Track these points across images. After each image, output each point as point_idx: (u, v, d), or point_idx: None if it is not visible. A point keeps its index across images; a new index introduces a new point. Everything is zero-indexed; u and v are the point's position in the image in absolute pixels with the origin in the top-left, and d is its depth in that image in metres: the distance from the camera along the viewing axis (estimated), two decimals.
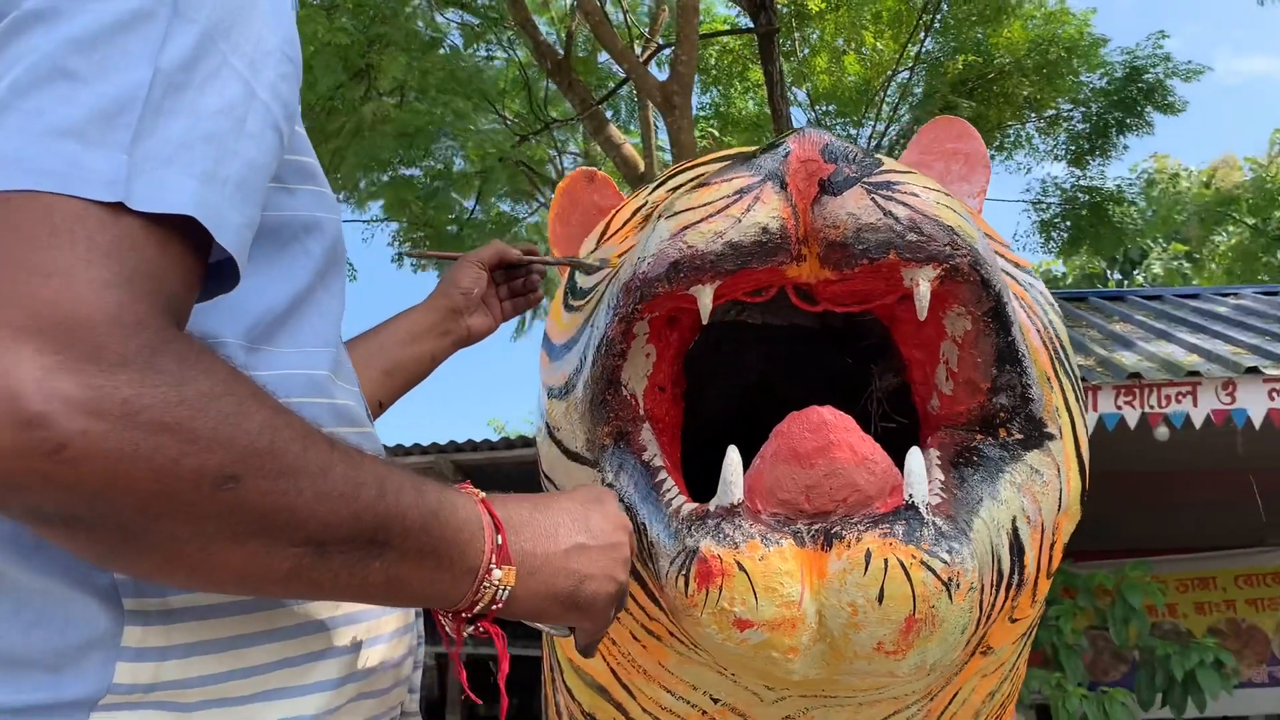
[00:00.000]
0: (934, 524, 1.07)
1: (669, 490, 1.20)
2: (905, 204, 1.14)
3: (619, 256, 1.49)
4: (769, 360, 1.73)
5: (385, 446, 1.02)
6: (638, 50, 6.61)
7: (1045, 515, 1.32)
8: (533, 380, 1.64)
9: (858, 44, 7.50)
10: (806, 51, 7.80)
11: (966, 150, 1.75)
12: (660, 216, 1.21)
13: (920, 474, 1.10)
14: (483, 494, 0.71)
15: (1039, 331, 1.38)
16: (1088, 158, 7.87)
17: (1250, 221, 10.99)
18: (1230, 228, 12.13)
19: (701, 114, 8.29)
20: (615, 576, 0.80)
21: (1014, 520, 1.25)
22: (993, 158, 9.21)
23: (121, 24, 0.57)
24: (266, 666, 0.65)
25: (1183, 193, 21.42)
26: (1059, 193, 8.24)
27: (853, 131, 8.08)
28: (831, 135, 1.20)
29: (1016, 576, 1.26)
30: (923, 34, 7.32)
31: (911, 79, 7.71)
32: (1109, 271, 20.15)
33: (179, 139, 0.57)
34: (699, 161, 1.68)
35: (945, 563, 1.05)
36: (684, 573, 1.07)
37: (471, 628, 0.70)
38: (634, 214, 1.59)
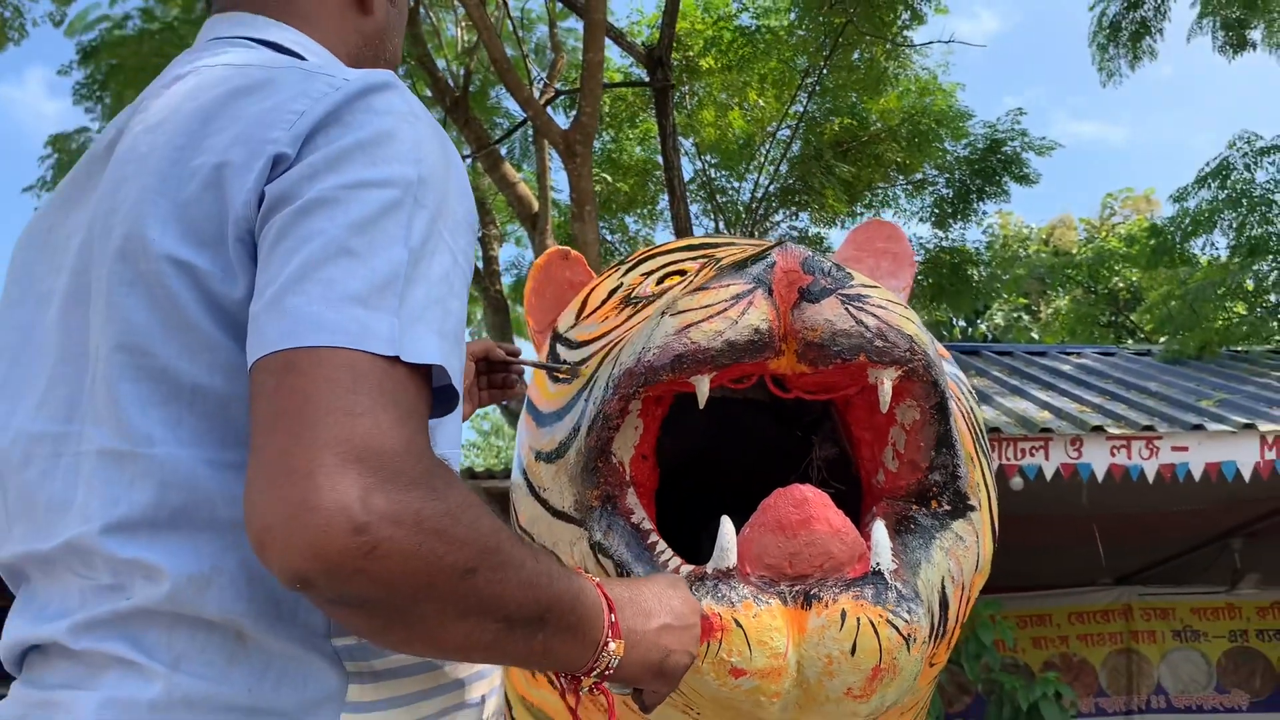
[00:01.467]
0: (896, 588, 1.28)
1: (662, 552, 1.36)
2: (874, 315, 1.35)
3: (600, 336, 1.65)
4: (718, 426, 1.91)
5: None
6: (535, 93, 6.78)
7: (965, 575, 1.55)
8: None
9: (742, 100, 7.88)
10: (694, 103, 8.15)
11: (895, 250, 1.99)
12: (664, 313, 1.39)
13: (885, 544, 1.30)
14: (596, 579, 0.87)
15: (964, 416, 1.61)
16: (950, 220, 8.50)
17: (1085, 284, 11.96)
18: (1066, 287, 13.17)
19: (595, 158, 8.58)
20: (690, 651, 0.96)
21: (943, 580, 1.47)
22: (863, 215, 9.76)
23: (384, 211, 0.71)
24: (434, 715, 0.79)
25: (1024, 249, 22.87)
26: (923, 251, 8.86)
27: (735, 184, 8.50)
28: (809, 250, 1.40)
29: (942, 628, 1.48)
30: (803, 95, 7.75)
31: (792, 136, 8.15)
32: (954, 319, 21.21)
33: (422, 303, 0.71)
34: (664, 248, 1.87)
35: (906, 621, 1.25)
36: None
37: (586, 690, 0.85)
38: (610, 294, 1.75)
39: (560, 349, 1.73)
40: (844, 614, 1.24)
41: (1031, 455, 4.83)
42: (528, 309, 1.92)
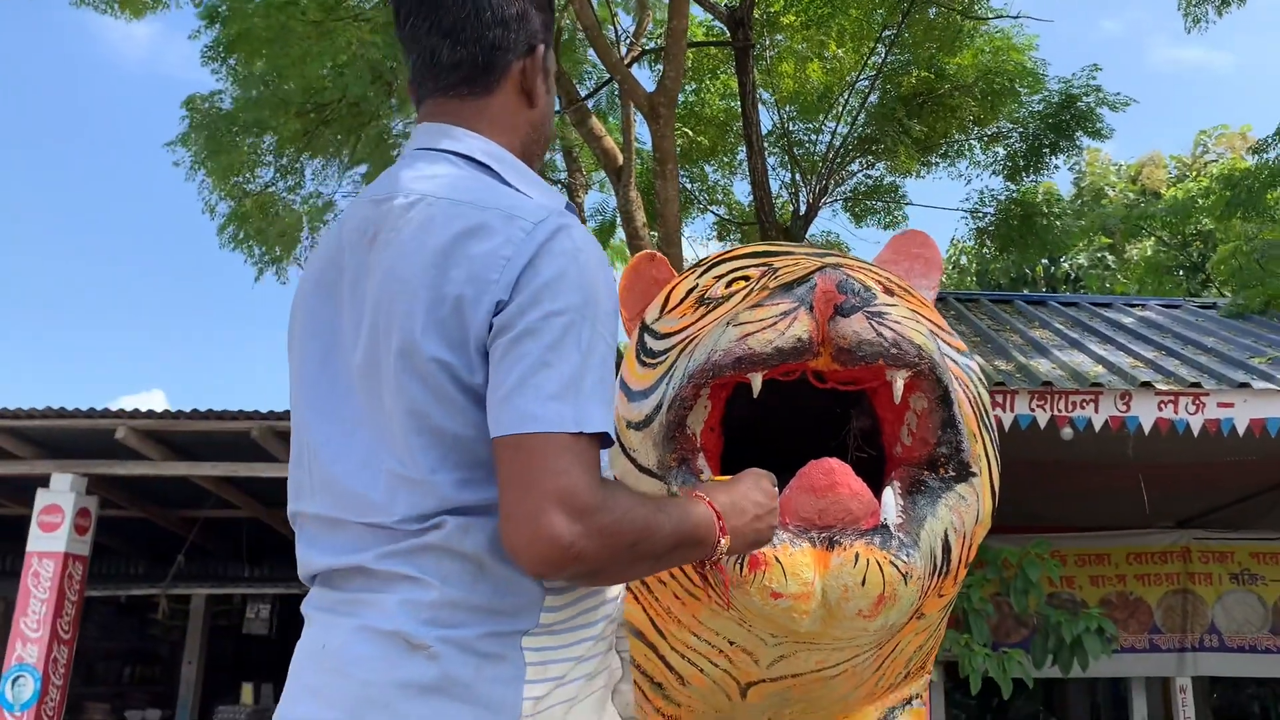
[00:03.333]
0: (899, 538, 1.70)
1: None
2: (891, 328, 1.76)
3: (679, 330, 2.08)
4: (780, 399, 2.34)
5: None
6: (623, 49, 7.08)
7: (967, 526, 1.96)
8: None
9: (821, 52, 8.07)
10: (773, 56, 8.36)
11: (926, 256, 2.38)
12: (729, 323, 1.81)
13: (892, 505, 1.73)
14: (707, 496, 1.31)
15: (970, 402, 2.01)
16: (1021, 173, 8.65)
17: (1158, 234, 11.83)
18: (1138, 236, 12.97)
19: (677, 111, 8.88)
20: (772, 525, 1.38)
21: (946, 531, 1.89)
22: (938, 165, 9.90)
23: (564, 331, 1.11)
24: (583, 611, 1.24)
25: (1110, 187, 22.39)
26: (995, 203, 9.03)
27: (812, 136, 8.73)
28: (843, 274, 1.81)
29: (945, 568, 1.90)
30: (882, 49, 7.92)
31: (869, 88, 8.34)
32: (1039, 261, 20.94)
33: (592, 386, 1.11)
34: (733, 254, 2.27)
35: (905, 562, 1.68)
36: (740, 562, 1.68)
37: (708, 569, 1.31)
38: (688, 293, 2.17)
39: (647, 338, 2.16)
40: (857, 556, 1.67)
41: (1082, 408, 5.13)
42: (621, 301, 2.35)
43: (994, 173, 8.91)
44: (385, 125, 6.21)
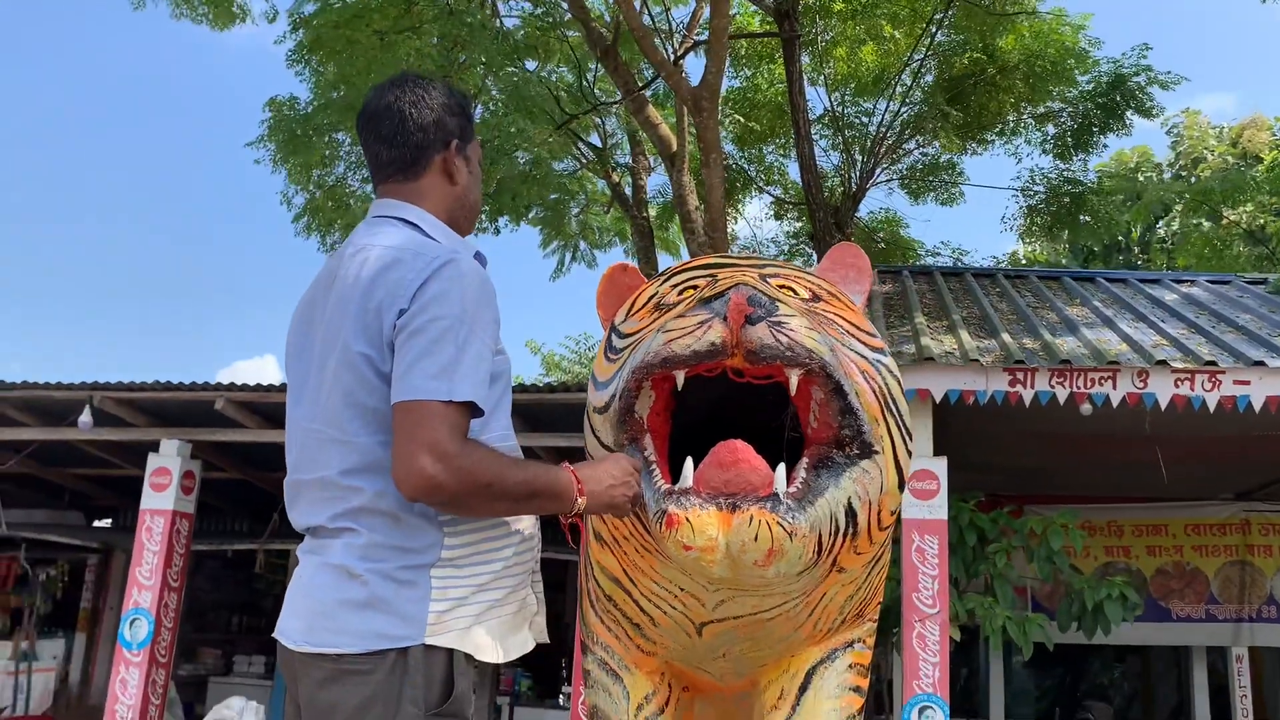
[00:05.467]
0: (787, 503, 2.11)
1: (657, 477, 2.23)
2: (787, 335, 2.15)
3: (638, 330, 2.51)
4: (732, 391, 2.75)
5: None
6: (676, 41, 7.43)
7: (871, 495, 2.35)
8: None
9: (875, 34, 8.26)
10: (825, 41, 8.59)
11: (858, 265, 2.76)
12: (660, 330, 2.24)
13: (781, 477, 2.13)
14: (571, 465, 1.75)
15: (874, 391, 2.38)
16: (1071, 152, 8.70)
17: (1214, 209, 11.58)
18: (1196, 212, 12.64)
19: (730, 97, 9.18)
20: (626, 494, 1.82)
21: (849, 499, 2.28)
22: (991, 143, 9.98)
23: (444, 331, 1.54)
24: (479, 551, 1.70)
25: (1209, 151, 21.70)
26: (1045, 182, 9.10)
27: (864, 119, 8.94)
28: (751, 290, 2.21)
29: (852, 529, 2.30)
30: (934, 29, 8.07)
31: (920, 67, 8.51)
32: (1132, 227, 20.45)
33: (464, 372, 1.55)
34: (686, 266, 2.68)
35: (790, 523, 2.09)
36: (660, 520, 2.11)
37: (569, 521, 1.76)
38: (648, 300, 2.60)
39: (613, 337, 2.60)
40: (752, 517, 2.08)
41: (1100, 385, 5.38)
42: (598, 305, 2.79)
43: (1044, 151, 9.01)
44: None
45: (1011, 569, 5.97)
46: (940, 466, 5.57)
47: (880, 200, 17.80)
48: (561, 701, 8.68)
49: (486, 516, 1.68)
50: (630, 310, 2.64)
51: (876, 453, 2.35)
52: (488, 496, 1.59)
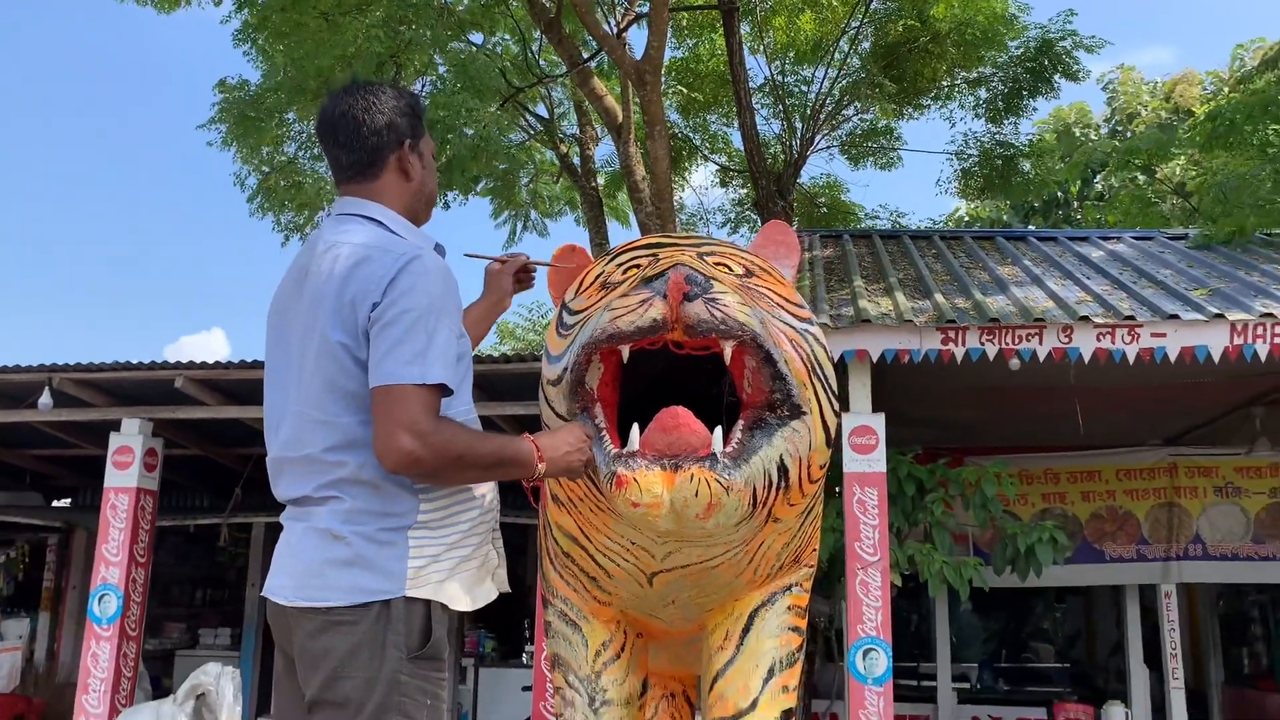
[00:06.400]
0: (724, 462, 2.35)
1: (607, 442, 2.45)
2: (721, 310, 2.38)
3: (586, 308, 2.72)
4: (676, 362, 2.97)
5: None
6: (619, 14, 7.56)
7: (801, 452, 2.60)
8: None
9: (813, 2, 8.45)
10: (767, 7, 8.76)
11: (788, 242, 2.99)
12: (606, 308, 2.45)
13: (718, 439, 2.36)
14: (531, 436, 1.97)
15: (802, 358, 2.62)
16: (1002, 116, 9.02)
17: (1143, 166, 12.01)
18: (1125, 170, 13.04)
19: (673, 67, 9.33)
20: (580, 459, 2.03)
21: (781, 456, 2.53)
22: (927, 108, 10.26)
23: (414, 322, 1.74)
24: (450, 515, 1.91)
25: (1143, 106, 22.22)
26: (977, 145, 9.43)
27: (804, 88, 9.16)
28: (688, 270, 2.43)
29: (784, 483, 2.55)
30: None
31: (859, 35, 8.72)
32: (1071, 183, 20.93)
33: (434, 356, 1.75)
34: (631, 245, 2.90)
35: (727, 479, 2.33)
36: (610, 481, 2.34)
37: (530, 485, 1.99)
38: (595, 278, 2.81)
39: (564, 314, 2.81)
40: (692, 475, 2.32)
41: (1027, 341, 5.68)
42: (549, 284, 3.00)
43: (976, 115, 9.31)
44: None
45: (950, 517, 6.30)
46: (879, 422, 5.85)
47: (821, 166, 18.17)
48: (524, 660, 8.95)
49: (459, 484, 1.90)
50: (579, 288, 2.85)
51: (805, 414, 2.60)
52: (460, 467, 1.80)
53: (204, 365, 6.86)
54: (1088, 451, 9.25)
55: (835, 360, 5.88)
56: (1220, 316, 5.53)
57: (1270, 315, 5.51)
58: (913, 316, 5.80)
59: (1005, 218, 20.80)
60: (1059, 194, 21.62)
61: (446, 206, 9.15)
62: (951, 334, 5.73)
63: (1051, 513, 9.28)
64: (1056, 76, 8.56)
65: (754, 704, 2.94)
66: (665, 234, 3.44)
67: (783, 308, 2.72)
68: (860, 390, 5.95)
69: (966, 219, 21.13)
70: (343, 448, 1.84)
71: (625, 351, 2.43)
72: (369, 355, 1.80)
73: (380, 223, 1.98)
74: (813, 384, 2.65)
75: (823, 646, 8.52)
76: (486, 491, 2.03)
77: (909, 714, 10.10)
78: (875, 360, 5.82)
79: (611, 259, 2.86)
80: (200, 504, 9.79)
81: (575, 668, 3.14)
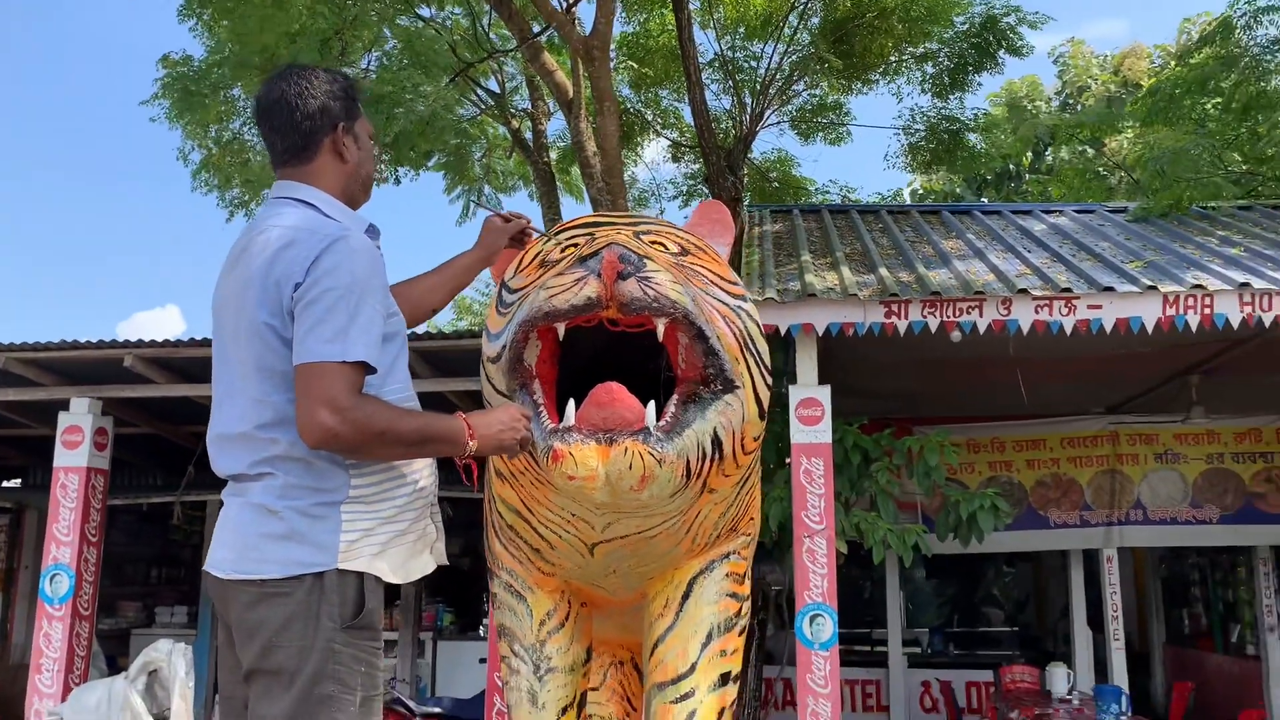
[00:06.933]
0: (657, 435, 2.43)
1: (544, 418, 2.52)
2: (654, 288, 2.45)
3: (524, 286, 2.78)
4: (617, 339, 3.04)
5: None
6: None
7: (735, 425, 2.68)
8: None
9: None
10: None
11: (723, 221, 3.07)
12: (541, 287, 2.51)
13: (652, 413, 2.44)
14: (464, 415, 2.03)
15: (735, 334, 2.70)
16: (948, 91, 9.15)
17: (1088, 140, 12.24)
18: (1069, 144, 13.30)
19: (624, 42, 9.34)
20: (513, 437, 2.10)
21: (715, 428, 2.61)
22: (875, 83, 10.37)
23: (336, 300, 1.79)
24: (384, 490, 1.98)
25: (1092, 79, 22.51)
26: (924, 120, 9.56)
27: (754, 63, 9.21)
28: (622, 249, 2.49)
29: (718, 455, 2.63)
30: None
31: (808, 10, 8.78)
32: (1024, 155, 21.19)
33: (356, 334, 1.80)
34: (570, 224, 2.95)
35: (660, 452, 2.41)
36: (547, 455, 2.41)
37: (463, 462, 2.05)
38: (535, 257, 2.87)
39: (503, 292, 2.87)
40: (626, 449, 2.40)
41: (967, 313, 5.82)
42: (491, 266, 3.06)
43: (923, 91, 9.43)
44: None
45: (895, 485, 6.45)
46: (825, 394, 5.97)
47: (772, 141, 18.30)
48: (482, 633, 9.03)
49: (385, 460, 1.96)
50: (518, 267, 2.91)
51: (738, 388, 2.68)
52: (383, 443, 1.86)
53: (153, 344, 6.83)
54: (1033, 420, 9.46)
55: (783, 334, 5.99)
56: (1153, 288, 5.70)
57: (1200, 287, 5.68)
58: (857, 290, 5.91)
59: (958, 191, 21.04)
60: (1010, 167, 21.92)
61: (398, 182, 9.14)
62: (894, 307, 5.85)
63: (998, 480, 9.50)
64: (1001, 52, 8.70)
65: (692, 668, 3.04)
66: (603, 213, 3.50)
67: (717, 285, 2.79)
68: (807, 363, 6.06)
69: (920, 193, 21.37)
70: (274, 425, 1.89)
71: (561, 329, 2.50)
72: (294, 334, 1.85)
73: (312, 205, 2.03)
74: (745, 359, 2.73)
75: (774, 614, 8.69)
76: (422, 467, 2.09)
77: (861, 678, 10.35)
78: (822, 333, 5.93)
79: (550, 238, 2.92)
80: (153, 482, 9.74)
81: (520, 637, 3.22)
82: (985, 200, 20.02)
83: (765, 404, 2.85)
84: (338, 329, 1.82)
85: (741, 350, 2.72)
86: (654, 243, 2.80)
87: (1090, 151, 21.12)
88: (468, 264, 2.71)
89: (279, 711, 1.80)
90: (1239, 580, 10.90)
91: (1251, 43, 8.50)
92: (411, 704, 6.86)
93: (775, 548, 7.36)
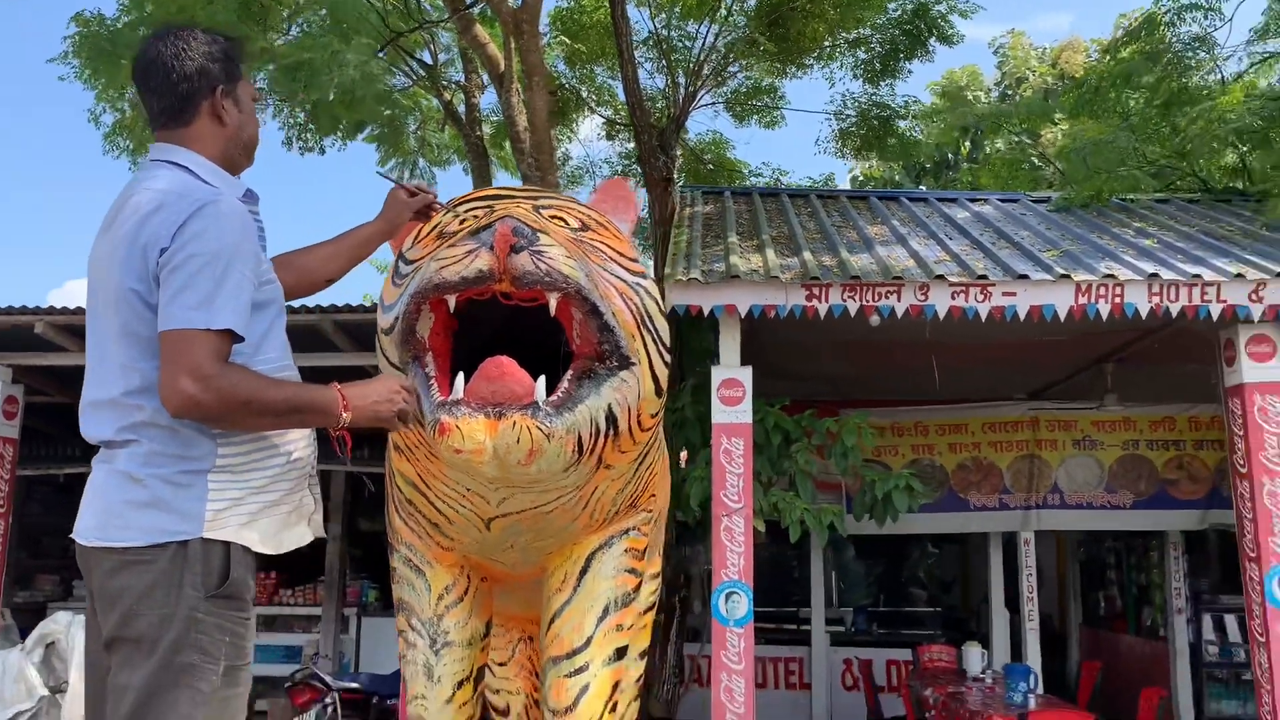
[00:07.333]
0: (545, 410, 2.42)
1: (434, 389, 2.51)
2: (546, 263, 2.44)
3: (421, 258, 2.75)
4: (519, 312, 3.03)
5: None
6: None
7: (630, 401, 2.69)
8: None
9: None
10: None
11: (626, 198, 3.07)
12: (431, 260, 2.50)
13: (541, 388, 2.44)
14: (339, 386, 2.01)
15: (632, 312, 2.70)
16: (880, 78, 9.23)
17: (1018, 131, 12.46)
18: (1000, 133, 13.53)
19: (558, 17, 9.27)
20: (390, 409, 2.07)
21: (610, 405, 2.61)
22: (810, 67, 10.43)
23: (202, 265, 1.76)
24: (254, 459, 1.95)
25: (1030, 72, 22.84)
26: (855, 106, 9.63)
27: (688, 43, 9.20)
28: (515, 222, 2.48)
29: (613, 431, 2.64)
30: None
31: None
32: (961, 141, 21.43)
33: (222, 302, 1.77)
34: (470, 197, 2.94)
35: (548, 427, 2.41)
36: (434, 428, 2.40)
37: (336, 434, 2.03)
38: (433, 229, 2.84)
39: (400, 264, 2.84)
40: (515, 423, 2.39)
41: (886, 298, 5.89)
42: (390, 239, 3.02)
43: (855, 76, 9.50)
44: (258, 46, 6.65)
45: (813, 465, 6.53)
46: (746, 375, 6.01)
47: (707, 123, 18.34)
48: None
49: (253, 430, 1.93)
50: (416, 238, 2.88)
51: (634, 364, 2.69)
52: (248, 412, 1.84)
53: (65, 311, 6.67)
54: (955, 405, 9.62)
55: (706, 314, 6.02)
56: (1066, 277, 5.82)
57: (1112, 276, 5.81)
58: (779, 273, 5.95)
59: (898, 179, 21.26)
60: (950, 156, 22.18)
61: (323, 152, 8.99)
62: (816, 290, 5.90)
63: (920, 463, 9.67)
64: (932, 40, 8.79)
65: (588, 642, 3.06)
66: (506, 187, 3.48)
67: (616, 261, 2.79)
68: (730, 344, 6.10)
69: (860, 180, 21.56)
70: (140, 392, 1.86)
71: (451, 301, 2.48)
72: (159, 301, 1.83)
73: (187, 169, 1.99)
74: (642, 336, 2.73)
75: (698, 591, 8.77)
76: (298, 438, 2.07)
77: (785, 656, 10.50)
78: (744, 315, 5.96)
79: (449, 210, 2.89)
80: (70, 453, 9.52)
81: (418, 611, 3.22)
82: (924, 188, 20.25)
83: (663, 381, 2.86)
84: (203, 296, 1.80)
85: (638, 327, 2.72)
86: (554, 217, 2.80)
87: (1027, 142, 21.46)
88: (368, 235, 2.67)
89: (139, 680, 1.78)
90: (1152, 564, 11.23)
91: (1175, 39, 8.68)
92: (328, 679, 6.81)
93: (699, 526, 7.43)
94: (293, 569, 10.50)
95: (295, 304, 6.95)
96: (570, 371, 2.60)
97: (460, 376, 2.46)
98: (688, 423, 7.04)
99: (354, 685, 6.85)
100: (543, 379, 2.48)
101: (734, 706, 5.69)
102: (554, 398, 2.48)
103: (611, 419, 2.64)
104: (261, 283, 1.96)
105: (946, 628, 12.21)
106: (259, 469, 1.95)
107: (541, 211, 2.79)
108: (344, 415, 1.98)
